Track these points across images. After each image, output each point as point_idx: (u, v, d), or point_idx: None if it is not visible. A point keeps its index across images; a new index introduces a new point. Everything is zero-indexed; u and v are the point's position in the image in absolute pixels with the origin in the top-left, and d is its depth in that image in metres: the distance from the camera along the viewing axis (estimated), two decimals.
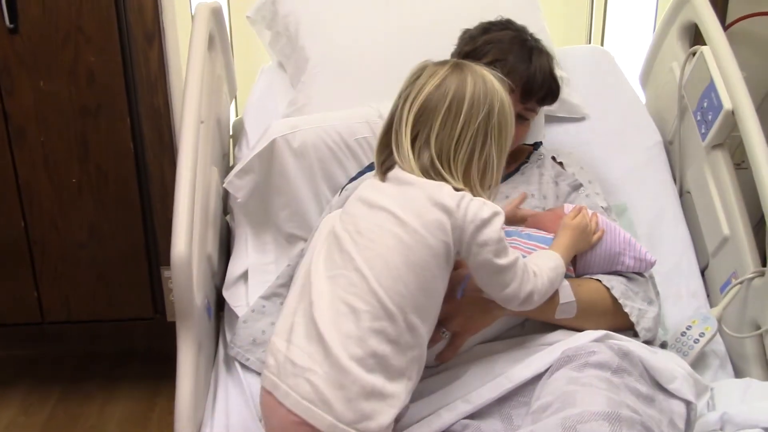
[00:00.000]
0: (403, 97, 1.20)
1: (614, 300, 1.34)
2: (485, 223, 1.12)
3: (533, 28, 1.86)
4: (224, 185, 1.67)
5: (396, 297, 1.10)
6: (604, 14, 2.44)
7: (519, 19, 1.83)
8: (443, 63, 1.21)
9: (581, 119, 1.95)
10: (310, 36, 1.89)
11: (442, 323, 1.24)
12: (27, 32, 2.06)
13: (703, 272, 1.79)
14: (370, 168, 1.64)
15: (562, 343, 1.26)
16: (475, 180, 1.17)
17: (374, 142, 1.66)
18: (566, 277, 1.34)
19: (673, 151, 1.93)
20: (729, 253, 1.68)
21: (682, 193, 1.89)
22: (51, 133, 2.15)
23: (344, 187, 1.61)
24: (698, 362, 1.59)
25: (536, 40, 1.57)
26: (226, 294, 1.65)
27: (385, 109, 1.67)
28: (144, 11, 2.08)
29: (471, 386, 1.23)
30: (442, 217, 1.12)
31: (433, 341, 1.25)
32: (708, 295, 1.75)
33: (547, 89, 1.51)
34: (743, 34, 2.38)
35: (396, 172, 1.19)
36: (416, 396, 1.25)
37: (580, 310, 1.31)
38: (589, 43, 2.44)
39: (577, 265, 1.39)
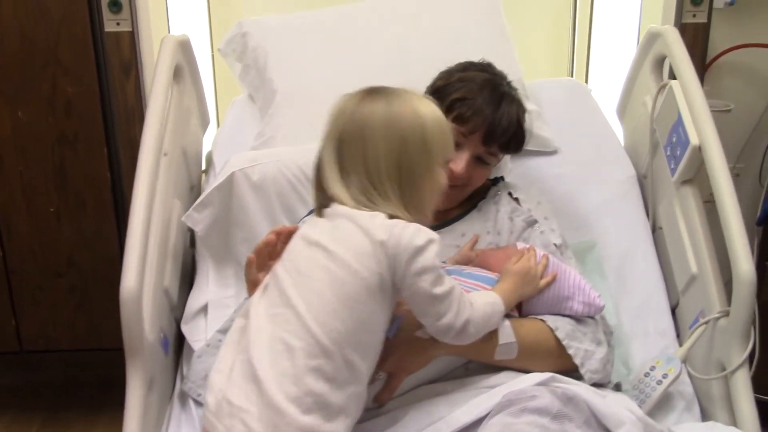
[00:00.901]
0: (325, 133, 1.21)
1: (558, 341, 1.31)
2: (419, 250, 1.10)
3: (503, 61, 1.85)
4: (183, 218, 1.66)
5: (332, 333, 1.09)
6: (588, 47, 2.42)
7: (490, 52, 1.82)
8: (357, 92, 1.22)
9: (552, 152, 1.92)
10: (277, 69, 1.90)
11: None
12: (5, 62, 2.08)
13: (674, 310, 1.75)
14: None
15: (504, 386, 1.23)
16: (408, 204, 1.15)
17: None
18: (509, 317, 1.32)
19: (646, 185, 1.90)
20: (697, 291, 1.64)
21: (655, 229, 1.86)
22: (29, 162, 2.16)
23: (302, 219, 1.59)
24: (663, 404, 1.54)
25: (512, 89, 1.56)
26: (184, 328, 1.64)
27: None
28: (121, 42, 2.09)
29: (409, 430, 1.21)
30: (374, 248, 1.10)
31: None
32: (678, 335, 1.71)
33: (510, 137, 1.50)
34: (731, 65, 2.36)
35: (332, 207, 1.18)
36: None
37: (522, 351, 1.28)
38: (572, 75, 2.42)
39: (522, 307, 1.36)
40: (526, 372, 1.27)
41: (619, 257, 1.78)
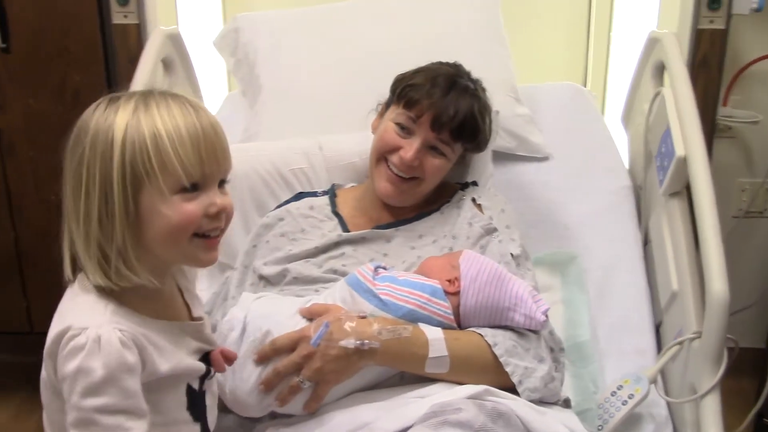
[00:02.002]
0: None
1: (496, 357, 1.26)
2: (64, 378, 0.91)
3: (496, 64, 1.81)
4: None
5: None
6: (608, 53, 2.34)
7: (483, 55, 1.80)
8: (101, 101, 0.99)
9: (544, 159, 1.86)
10: (265, 65, 1.90)
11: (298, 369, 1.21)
12: (18, 51, 2.15)
13: (658, 328, 1.68)
14: (296, 197, 1.62)
15: (434, 396, 1.20)
16: (94, 260, 0.94)
17: (310, 173, 1.66)
18: (448, 328, 1.28)
19: (641, 197, 1.82)
20: (677, 309, 1.57)
21: (646, 242, 1.78)
22: (39, 149, 2.23)
23: (269, 213, 1.59)
24: (630, 426, 1.48)
25: (475, 86, 1.52)
26: None
27: (327, 141, 1.67)
28: (128, 35, 2.12)
29: None
30: (49, 360, 0.94)
31: (292, 391, 1.22)
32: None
33: (460, 124, 1.45)
34: (761, 75, 2.25)
35: None
36: None
37: (455, 365, 1.25)
38: (586, 81, 2.35)
39: (460, 318, 1.32)
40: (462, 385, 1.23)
41: (602, 270, 1.71)
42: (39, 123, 2.20)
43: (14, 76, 2.17)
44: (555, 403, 1.34)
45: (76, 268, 0.98)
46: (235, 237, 1.64)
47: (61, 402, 0.94)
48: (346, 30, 1.93)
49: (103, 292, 0.96)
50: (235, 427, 1.35)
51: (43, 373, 0.97)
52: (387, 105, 1.55)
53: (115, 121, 0.93)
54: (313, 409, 1.24)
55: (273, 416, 1.30)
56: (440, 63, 1.56)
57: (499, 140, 1.83)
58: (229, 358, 1.13)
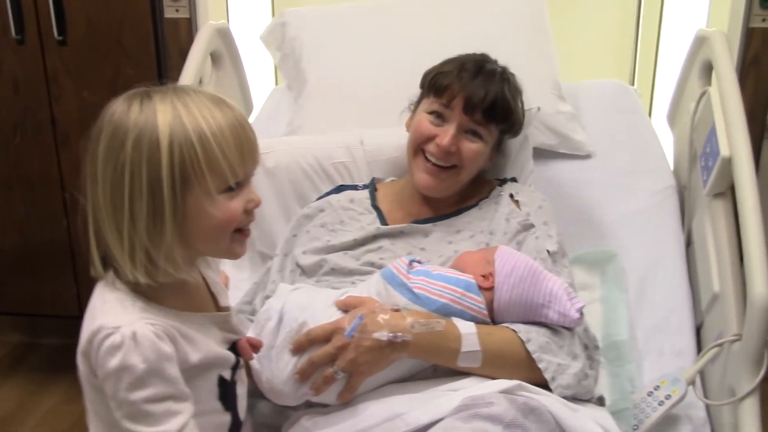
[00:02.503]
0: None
1: (529, 353, 1.26)
2: (107, 376, 0.93)
3: (541, 60, 1.81)
4: None
5: None
6: (656, 51, 2.32)
7: (528, 51, 1.80)
8: (131, 94, 0.99)
9: (587, 157, 1.85)
10: (310, 60, 1.92)
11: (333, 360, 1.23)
12: (74, 45, 2.22)
13: (699, 330, 1.66)
14: (337, 190, 1.64)
15: (466, 390, 1.21)
16: (137, 261, 0.95)
17: (352, 167, 1.68)
18: (481, 322, 1.29)
19: (685, 197, 1.80)
20: (718, 311, 1.55)
21: (689, 243, 1.76)
22: None
23: (310, 204, 1.62)
24: (668, 427, 1.47)
25: (503, 70, 1.53)
26: None
27: (368, 136, 1.69)
28: (179, 29, 2.18)
29: (366, 424, 1.20)
30: (84, 359, 0.97)
31: (326, 381, 1.24)
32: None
33: (492, 105, 1.45)
34: None
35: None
36: (311, 428, 1.25)
37: (488, 360, 1.25)
38: (633, 79, 2.32)
39: (494, 313, 1.32)
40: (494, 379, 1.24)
41: (643, 270, 1.69)
42: (92, 115, 2.22)
43: (69, 68, 2.24)
44: (589, 401, 1.33)
45: (105, 265, 1.00)
46: (276, 228, 1.68)
47: (102, 395, 0.96)
48: (391, 25, 1.95)
49: (132, 288, 0.98)
50: (271, 415, 1.38)
51: (81, 368, 0.99)
52: (418, 101, 1.56)
53: (157, 121, 0.93)
54: (347, 400, 1.26)
55: (308, 405, 1.32)
56: (467, 53, 1.57)
57: (540, 137, 1.83)
58: (255, 346, 1.15)
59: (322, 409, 1.30)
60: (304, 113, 1.89)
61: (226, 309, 1.11)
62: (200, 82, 1.79)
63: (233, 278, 1.71)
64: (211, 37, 1.81)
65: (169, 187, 0.93)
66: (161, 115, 0.93)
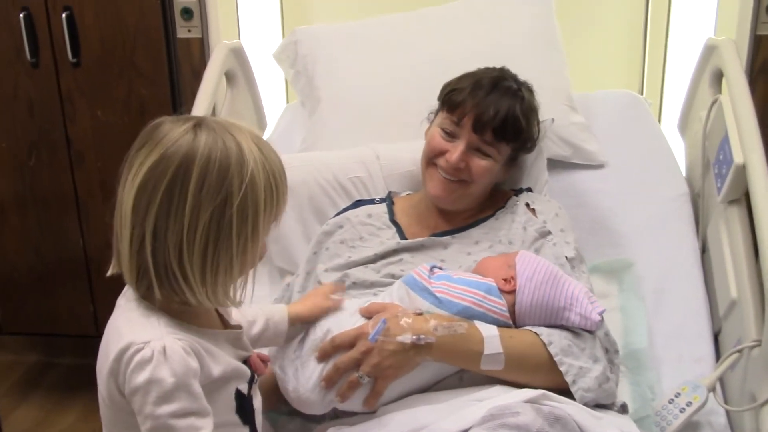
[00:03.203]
0: (128, 168, 0.98)
1: (551, 356, 1.28)
2: (135, 391, 0.95)
3: (551, 72, 1.83)
4: None
5: None
6: (664, 60, 2.33)
7: (536, 62, 1.82)
8: (181, 120, 0.99)
9: (600, 167, 1.87)
10: (323, 76, 1.95)
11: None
12: (87, 66, 2.25)
13: (717, 336, 1.66)
14: (355, 205, 1.66)
15: (493, 399, 1.22)
16: (198, 289, 0.97)
17: (368, 182, 1.70)
18: (503, 325, 1.30)
19: (699, 204, 1.81)
20: (736, 317, 1.56)
21: (704, 250, 1.77)
22: (107, 159, 2.32)
23: (329, 220, 1.63)
24: None
25: (520, 85, 1.54)
26: None
27: (384, 150, 1.71)
28: (192, 48, 2.21)
29: None
30: (111, 379, 0.98)
31: (351, 386, 1.25)
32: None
33: (501, 125, 1.47)
34: None
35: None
36: None
37: (510, 362, 1.27)
38: (642, 88, 2.34)
39: (516, 316, 1.34)
40: (520, 385, 1.25)
41: (659, 278, 1.71)
42: (106, 134, 2.29)
43: (84, 89, 2.26)
44: (611, 408, 1.34)
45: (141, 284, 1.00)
46: (294, 244, 1.70)
47: (126, 417, 0.98)
48: (402, 41, 1.97)
49: (154, 306, 1.00)
50: (298, 430, 1.39)
51: (103, 392, 1.00)
52: (436, 112, 1.58)
53: (244, 155, 0.96)
54: (373, 406, 1.27)
55: (335, 416, 1.33)
56: (486, 68, 1.59)
57: (554, 148, 1.84)
58: (265, 361, 1.17)
59: (349, 419, 1.31)
60: (319, 130, 1.91)
61: (238, 327, 1.12)
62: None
63: (253, 295, 1.73)
64: (226, 56, 1.83)
65: (255, 222, 0.98)
66: (246, 150, 0.97)
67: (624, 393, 1.55)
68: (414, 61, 1.91)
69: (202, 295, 0.98)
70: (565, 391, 1.28)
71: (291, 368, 1.29)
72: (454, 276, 1.34)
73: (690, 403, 1.47)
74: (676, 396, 1.49)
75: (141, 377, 0.93)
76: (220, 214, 0.95)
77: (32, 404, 2.52)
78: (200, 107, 1.70)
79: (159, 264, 0.96)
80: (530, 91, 1.56)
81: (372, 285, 1.47)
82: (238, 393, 1.06)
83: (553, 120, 1.68)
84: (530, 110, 1.53)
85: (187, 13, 2.16)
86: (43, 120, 2.30)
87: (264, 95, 2.18)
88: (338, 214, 1.64)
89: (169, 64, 2.23)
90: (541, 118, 1.64)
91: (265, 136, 2.05)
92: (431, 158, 1.53)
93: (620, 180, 1.85)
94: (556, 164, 1.86)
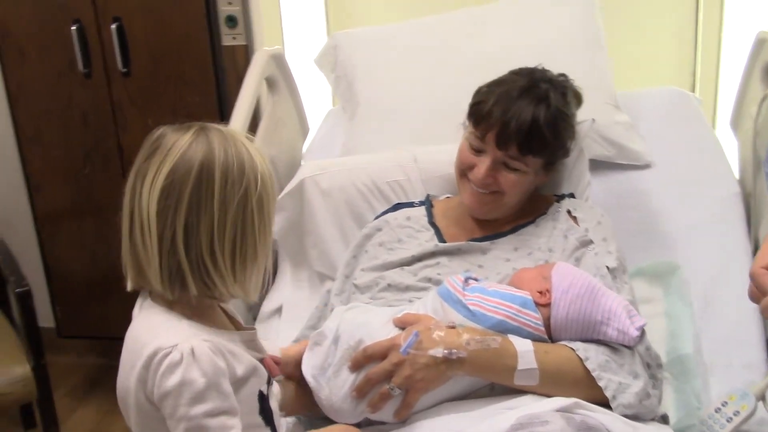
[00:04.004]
0: (140, 178, 1.01)
1: (588, 372, 1.24)
2: (166, 395, 0.96)
3: (594, 71, 1.78)
4: None
5: None
6: (718, 56, 2.25)
7: (578, 60, 1.78)
8: (182, 128, 1.04)
9: (646, 167, 1.82)
10: (363, 81, 1.94)
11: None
12: (137, 75, 2.30)
13: None
14: (394, 208, 1.65)
15: (522, 408, 1.19)
16: (230, 280, 1.01)
17: (406, 185, 1.69)
18: (538, 340, 1.28)
19: (751, 205, 1.74)
20: None
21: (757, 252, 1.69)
22: None
23: (368, 224, 1.63)
24: None
25: (552, 87, 1.49)
26: (258, 327, 1.72)
27: (422, 153, 1.70)
28: (236, 55, 2.24)
29: None
30: (143, 384, 0.98)
31: (383, 398, 1.24)
32: None
33: (525, 140, 1.42)
34: None
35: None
36: None
37: (545, 378, 1.24)
38: (694, 87, 2.27)
39: (551, 329, 1.30)
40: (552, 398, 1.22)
41: (708, 281, 1.64)
42: None
43: (134, 98, 2.32)
44: (652, 420, 1.30)
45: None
46: (333, 248, 1.70)
47: (156, 422, 0.99)
48: (441, 43, 1.95)
49: (169, 307, 1.02)
50: None
51: (130, 402, 1.00)
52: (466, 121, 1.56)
53: (252, 154, 1.02)
54: (403, 417, 1.26)
55: (368, 423, 1.33)
56: (518, 71, 1.54)
57: (597, 148, 1.80)
58: (278, 363, 1.18)
59: (381, 427, 1.30)
60: (358, 134, 1.91)
61: (252, 328, 1.13)
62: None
63: (294, 298, 1.74)
64: (266, 63, 1.85)
65: (269, 212, 1.05)
66: (258, 157, 1.03)
67: (668, 401, 1.50)
68: (453, 63, 1.89)
69: (232, 284, 1.01)
70: (604, 406, 1.24)
71: (323, 377, 1.29)
72: (488, 288, 1.32)
73: (738, 412, 1.40)
74: (723, 405, 1.43)
75: (172, 380, 0.95)
76: (244, 206, 1.01)
77: (91, 406, 2.59)
78: (240, 113, 1.72)
79: (192, 259, 0.98)
80: (563, 93, 1.51)
81: (407, 289, 1.46)
82: (261, 394, 1.07)
83: (594, 120, 1.64)
84: (559, 117, 1.47)
85: (231, 20, 2.20)
86: (96, 129, 2.37)
87: (312, 100, 2.20)
88: (377, 217, 1.64)
89: (215, 71, 2.27)
90: (581, 119, 1.61)
91: (308, 141, 2.07)
92: (462, 170, 1.51)
93: (667, 180, 1.80)
94: (599, 165, 1.81)
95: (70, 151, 2.40)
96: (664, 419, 1.33)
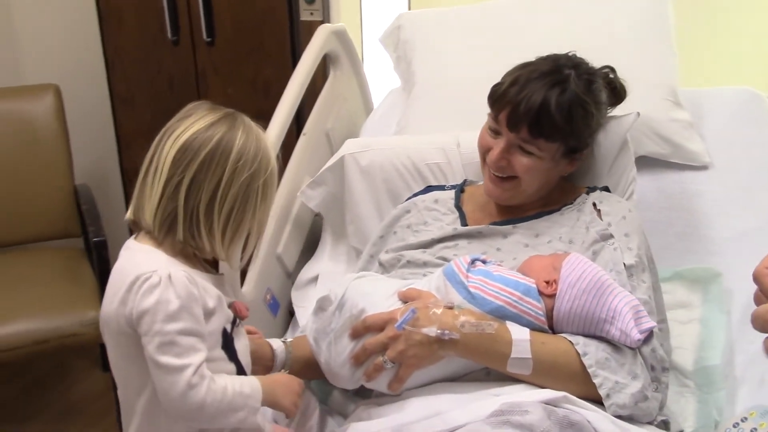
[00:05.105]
0: (168, 133, 1.12)
1: (584, 367, 1.22)
2: (144, 312, 1.05)
3: (655, 62, 1.73)
4: (298, 194, 1.79)
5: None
6: None
7: (639, 51, 1.75)
8: (218, 108, 1.17)
9: (703, 168, 1.73)
10: (420, 62, 1.95)
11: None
12: (220, 46, 2.40)
13: None
14: (425, 191, 1.66)
15: (508, 396, 1.19)
16: (218, 240, 1.12)
17: (446, 169, 1.69)
18: (538, 329, 1.27)
19: None
20: None
21: None
22: None
23: (399, 205, 1.65)
24: None
25: (578, 77, 1.44)
26: (294, 294, 1.78)
27: (465, 138, 1.70)
28: (313, 31, 2.27)
29: (408, 419, 1.22)
30: (124, 307, 1.08)
31: (376, 369, 1.27)
32: None
33: (534, 122, 1.39)
34: None
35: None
36: (364, 417, 1.28)
37: (539, 369, 1.23)
38: None
39: (554, 321, 1.28)
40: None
41: (750, 293, 1.55)
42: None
43: (217, 67, 2.42)
44: (650, 423, 1.26)
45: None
46: (369, 225, 1.73)
47: (132, 346, 1.08)
48: (503, 27, 1.92)
49: (155, 245, 1.12)
50: (344, 404, 1.44)
51: (114, 327, 1.10)
52: None
53: (267, 147, 1.15)
54: (396, 390, 1.28)
55: (370, 395, 1.36)
56: (546, 56, 1.51)
57: (651, 145, 1.74)
58: (247, 309, 1.24)
59: (377, 400, 1.33)
60: (411, 113, 1.92)
61: (221, 274, 1.22)
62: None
63: (330, 271, 1.79)
64: (327, 38, 1.88)
65: (271, 198, 1.18)
66: (272, 152, 1.16)
67: (690, 410, 1.46)
68: (513, 48, 1.84)
69: (218, 244, 1.12)
70: (599, 403, 1.22)
71: (324, 342, 1.33)
72: (494, 272, 1.31)
73: (755, 429, 1.34)
74: (742, 420, 1.36)
75: (150, 300, 1.05)
76: (249, 184, 1.13)
77: None
78: (294, 86, 1.77)
79: (188, 210, 1.10)
80: (589, 80, 1.46)
81: (425, 264, 1.47)
82: (224, 331, 1.15)
83: (638, 114, 1.58)
84: (575, 102, 1.42)
85: None
86: (180, 94, 2.49)
87: (386, 78, 2.22)
88: (408, 199, 1.65)
89: (292, 45, 2.33)
90: (628, 111, 1.56)
91: (368, 118, 2.10)
92: (482, 155, 1.51)
93: (723, 183, 1.71)
94: (653, 162, 1.75)
95: (156, 114, 2.53)
96: (665, 425, 1.29)
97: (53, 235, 2.59)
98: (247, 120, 1.17)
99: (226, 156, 1.10)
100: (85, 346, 2.29)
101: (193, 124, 1.12)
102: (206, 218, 1.10)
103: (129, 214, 1.15)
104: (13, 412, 2.50)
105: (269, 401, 1.18)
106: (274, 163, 1.16)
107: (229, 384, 1.11)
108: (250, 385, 1.14)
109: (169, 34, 2.41)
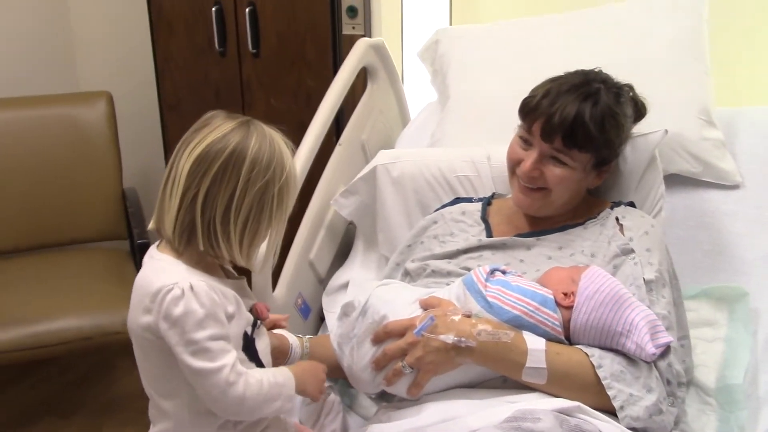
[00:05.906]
0: (185, 144, 1.15)
1: (599, 379, 1.24)
2: (172, 324, 1.09)
3: (688, 80, 1.75)
4: (330, 202, 1.83)
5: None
6: None
7: (672, 69, 1.76)
8: (233, 116, 1.18)
9: (734, 187, 1.73)
10: (455, 76, 1.99)
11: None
12: (265, 57, 2.47)
13: None
14: (453, 202, 1.69)
15: (522, 403, 1.22)
16: (236, 248, 1.15)
17: (476, 182, 1.72)
18: (555, 340, 1.29)
19: None
20: None
21: None
22: None
23: (427, 216, 1.68)
24: None
25: (605, 88, 1.47)
26: (325, 299, 1.82)
27: (496, 152, 1.73)
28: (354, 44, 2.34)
29: (424, 422, 1.25)
30: (148, 317, 1.11)
31: (396, 374, 1.30)
32: None
33: (569, 133, 1.42)
34: None
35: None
36: (384, 420, 1.32)
37: (553, 379, 1.25)
38: None
39: (570, 332, 1.30)
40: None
41: None
42: (277, 121, 2.46)
43: (261, 78, 2.49)
44: None
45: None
46: (398, 234, 1.76)
47: (156, 352, 1.13)
48: (535, 44, 1.94)
49: (174, 257, 1.15)
50: (370, 407, 1.49)
51: (137, 332, 1.14)
52: None
53: (284, 154, 1.16)
54: (415, 395, 1.31)
55: (392, 399, 1.39)
56: (574, 72, 1.54)
57: (681, 163, 1.74)
58: (268, 309, 1.29)
59: (398, 404, 1.37)
60: (445, 126, 1.96)
61: (241, 278, 1.25)
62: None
63: (361, 279, 1.83)
64: (365, 52, 1.93)
65: (287, 205, 1.19)
66: (288, 158, 1.17)
67: (710, 428, 1.45)
68: (547, 65, 1.87)
69: (237, 252, 1.15)
70: (614, 416, 1.24)
71: (347, 346, 1.37)
72: (512, 282, 1.33)
73: None
74: None
75: (177, 311, 1.09)
76: (263, 192, 1.15)
77: None
78: (330, 97, 1.82)
79: (205, 221, 1.13)
80: (617, 93, 1.49)
81: (449, 274, 1.51)
82: (245, 334, 1.20)
83: (666, 131, 1.59)
84: (608, 114, 1.45)
85: (352, 11, 2.31)
86: (226, 104, 2.56)
87: (424, 91, 2.26)
88: (437, 210, 1.69)
89: (334, 58, 2.38)
90: (657, 128, 1.58)
91: (403, 130, 2.14)
92: (511, 167, 1.54)
93: (755, 203, 1.71)
94: (683, 180, 1.76)
95: None
96: None
97: (102, 237, 2.67)
98: (263, 127, 1.18)
99: (239, 166, 1.12)
100: (127, 345, 2.36)
101: (208, 135, 1.13)
102: (223, 228, 1.13)
103: (151, 225, 1.19)
104: (57, 407, 2.59)
105: (299, 389, 1.22)
106: (290, 169, 1.17)
107: (264, 376, 1.15)
108: (283, 374, 1.20)
109: (216, 45, 2.49)
